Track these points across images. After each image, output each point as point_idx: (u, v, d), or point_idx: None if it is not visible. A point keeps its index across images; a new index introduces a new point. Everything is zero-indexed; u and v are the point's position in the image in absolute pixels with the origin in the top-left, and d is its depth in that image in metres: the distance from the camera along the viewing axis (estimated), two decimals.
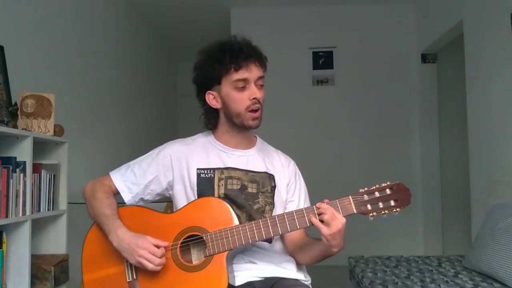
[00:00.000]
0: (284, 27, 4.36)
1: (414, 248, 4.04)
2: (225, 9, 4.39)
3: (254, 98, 1.26)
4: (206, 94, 1.32)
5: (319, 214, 1.12)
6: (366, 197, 1.14)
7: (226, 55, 1.25)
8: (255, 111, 1.27)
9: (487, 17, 2.85)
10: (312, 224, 1.13)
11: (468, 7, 3.13)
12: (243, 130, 1.32)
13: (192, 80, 1.36)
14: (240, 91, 1.26)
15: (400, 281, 1.95)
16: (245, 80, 1.25)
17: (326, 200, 1.15)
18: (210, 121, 1.37)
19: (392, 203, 1.13)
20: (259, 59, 1.29)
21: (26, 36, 2.39)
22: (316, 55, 4.34)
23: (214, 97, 1.31)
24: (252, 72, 1.26)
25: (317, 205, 1.14)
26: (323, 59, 4.34)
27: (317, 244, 1.22)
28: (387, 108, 4.26)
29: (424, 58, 4.14)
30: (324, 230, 1.10)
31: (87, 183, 1.35)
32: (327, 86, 4.33)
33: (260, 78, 1.28)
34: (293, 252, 1.34)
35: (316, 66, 4.34)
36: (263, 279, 1.24)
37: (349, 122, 4.28)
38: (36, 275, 1.98)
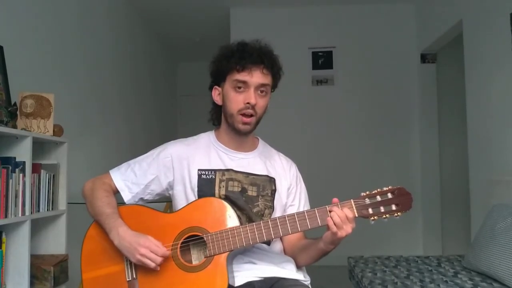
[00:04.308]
0: (284, 27, 4.36)
1: (414, 248, 4.04)
2: (224, 9, 4.39)
3: (247, 103, 1.24)
4: (213, 88, 1.33)
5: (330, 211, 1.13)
6: (367, 201, 1.14)
7: (236, 55, 1.24)
8: (247, 116, 1.26)
9: (486, 17, 2.86)
10: (317, 225, 1.13)
11: (467, 7, 3.13)
12: (237, 133, 1.31)
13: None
14: (237, 92, 1.26)
15: (399, 281, 1.95)
16: (244, 83, 1.25)
17: (335, 199, 1.15)
18: (213, 116, 1.38)
19: (394, 207, 1.13)
20: (269, 67, 1.26)
21: (26, 36, 2.39)
22: (315, 55, 4.35)
23: (219, 93, 1.32)
24: (253, 77, 1.24)
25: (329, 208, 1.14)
26: (322, 59, 4.34)
27: (315, 244, 1.22)
28: (387, 108, 4.26)
29: (424, 58, 4.15)
30: (336, 232, 1.11)
31: (86, 181, 1.34)
32: (326, 86, 4.34)
33: (263, 85, 1.26)
34: (291, 255, 1.34)
35: (315, 66, 4.34)
36: (262, 279, 1.23)
37: (349, 122, 4.29)
38: (35, 275, 1.98)
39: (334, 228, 1.10)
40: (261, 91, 1.27)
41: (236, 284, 1.20)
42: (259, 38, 1.31)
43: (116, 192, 1.33)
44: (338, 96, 4.30)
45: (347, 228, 1.11)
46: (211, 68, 1.33)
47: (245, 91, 1.25)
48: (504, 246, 1.83)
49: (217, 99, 1.33)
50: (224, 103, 1.30)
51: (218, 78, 1.31)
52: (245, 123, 1.27)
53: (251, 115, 1.26)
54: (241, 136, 1.33)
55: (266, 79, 1.27)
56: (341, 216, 1.10)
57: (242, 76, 1.24)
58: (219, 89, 1.32)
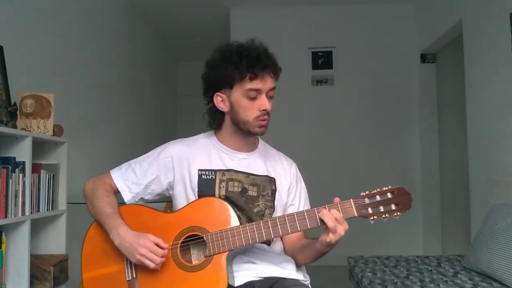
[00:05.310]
0: (284, 27, 4.36)
1: (414, 248, 4.04)
2: (224, 9, 4.39)
3: (263, 110, 1.25)
4: (215, 95, 1.29)
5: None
6: (367, 200, 1.14)
7: (244, 61, 1.21)
8: (262, 120, 1.26)
9: (486, 17, 2.86)
10: (317, 225, 1.13)
11: (467, 7, 3.13)
12: (248, 135, 1.31)
13: (201, 76, 1.32)
14: (251, 100, 1.24)
15: (399, 281, 1.95)
16: (257, 91, 1.24)
17: (337, 199, 1.15)
18: (214, 121, 1.35)
19: (393, 207, 1.13)
20: (274, 69, 1.27)
21: (26, 36, 2.39)
22: (315, 55, 4.35)
23: (223, 100, 1.29)
24: (266, 83, 1.24)
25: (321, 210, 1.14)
26: (322, 59, 4.34)
27: (314, 244, 1.22)
28: (387, 108, 4.26)
29: (424, 58, 4.15)
30: (331, 236, 1.11)
31: (87, 181, 1.35)
32: (326, 86, 4.34)
33: (272, 89, 1.27)
34: (291, 253, 1.34)
35: (315, 66, 4.34)
36: (262, 279, 1.23)
37: (349, 122, 4.29)
38: (35, 275, 1.98)
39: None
40: (270, 95, 1.28)
41: (236, 284, 1.20)
42: (253, 37, 1.29)
43: (117, 192, 1.33)
44: (338, 96, 4.30)
45: (340, 231, 1.11)
46: (210, 75, 1.29)
47: (258, 98, 1.25)
48: (504, 246, 1.83)
49: (222, 106, 1.29)
50: (235, 111, 1.27)
51: (220, 85, 1.27)
52: (261, 126, 1.27)
53: (265, 120, 1.27)
54: (248, 137, 1.33)
55: (274, 82, 1.28)
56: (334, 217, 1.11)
57: (255, 85, 1.23)
58: (223, 96, 1.28)
